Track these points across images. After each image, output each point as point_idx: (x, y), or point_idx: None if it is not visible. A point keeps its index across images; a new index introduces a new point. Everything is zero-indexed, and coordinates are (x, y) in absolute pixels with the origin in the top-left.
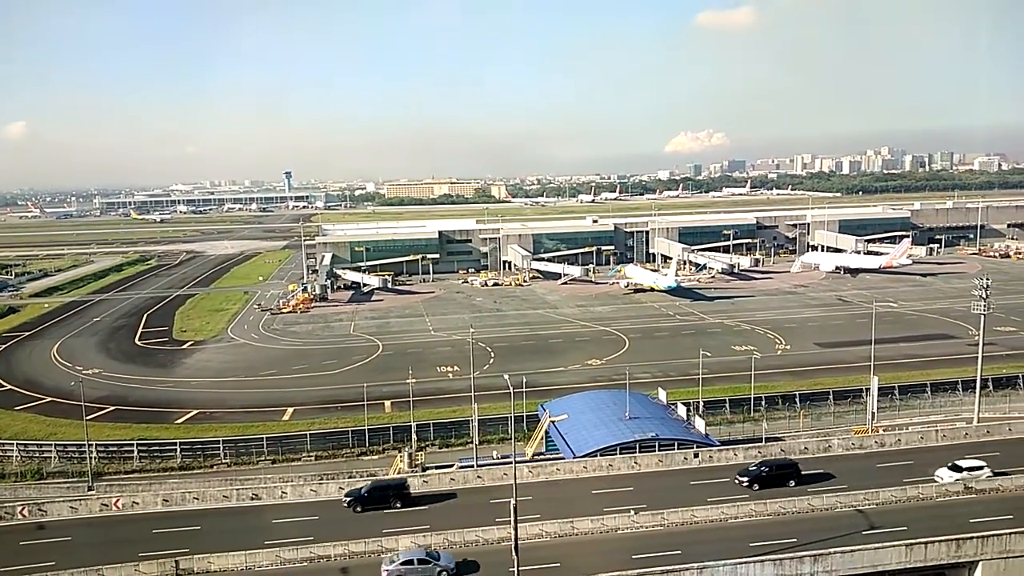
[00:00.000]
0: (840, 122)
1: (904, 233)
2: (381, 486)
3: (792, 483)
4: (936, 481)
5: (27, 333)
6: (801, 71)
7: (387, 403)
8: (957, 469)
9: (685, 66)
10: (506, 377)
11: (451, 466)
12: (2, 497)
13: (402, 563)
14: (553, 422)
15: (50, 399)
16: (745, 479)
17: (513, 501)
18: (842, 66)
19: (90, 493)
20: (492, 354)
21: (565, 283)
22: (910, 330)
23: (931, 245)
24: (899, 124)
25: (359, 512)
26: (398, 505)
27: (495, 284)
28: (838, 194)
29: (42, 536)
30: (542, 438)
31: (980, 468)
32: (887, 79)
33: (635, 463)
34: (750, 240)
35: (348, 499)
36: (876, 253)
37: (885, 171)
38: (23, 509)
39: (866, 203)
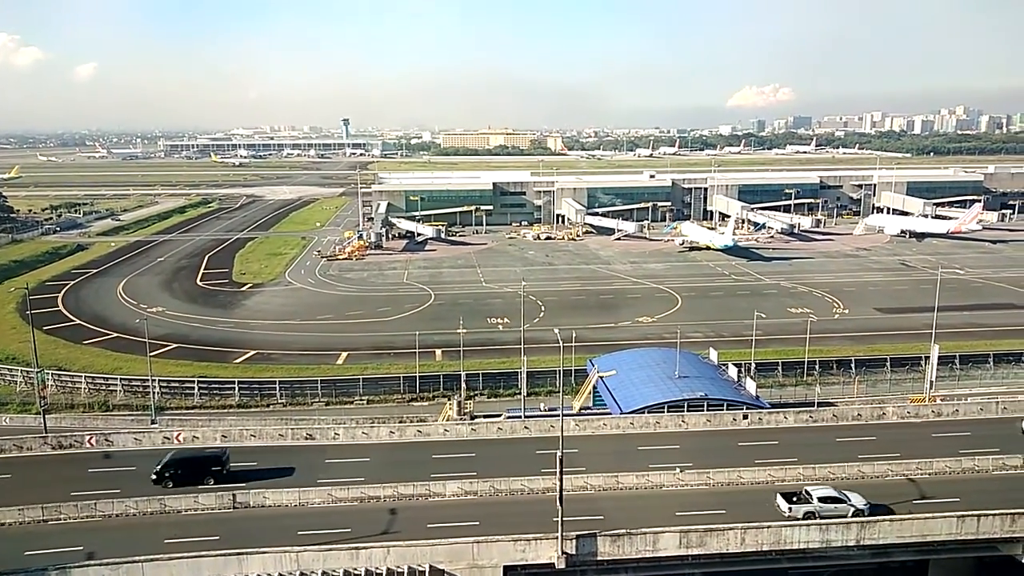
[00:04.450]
0: (913, 79)
1: (976, 197)
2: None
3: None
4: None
5: (95, 270)
6: (873, 24)
7: (438, 351)
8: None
9: (751, 16)
10: (556, 331)
11: (499, 416)
12: (72, 426)
13: None
14: (601, 377)
15: (116, 335)
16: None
17: (559, 453)
18: (917, 19)
19: (153, 426)
20: (542, 307)
21: (619, 239)
22: (976, 298)
23: (1004, 211)
24: (976, 82)
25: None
26: (211, 482)
27: (548, 238)
28: (908, 154)
29: (108, 464)
30: (590, 393)
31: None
32: (964, 33)
33: (683, 422)
34: (812, 200)
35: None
36: (945, 217)
37: (959, 132)
38: (91, 438)
39: (937, 165)
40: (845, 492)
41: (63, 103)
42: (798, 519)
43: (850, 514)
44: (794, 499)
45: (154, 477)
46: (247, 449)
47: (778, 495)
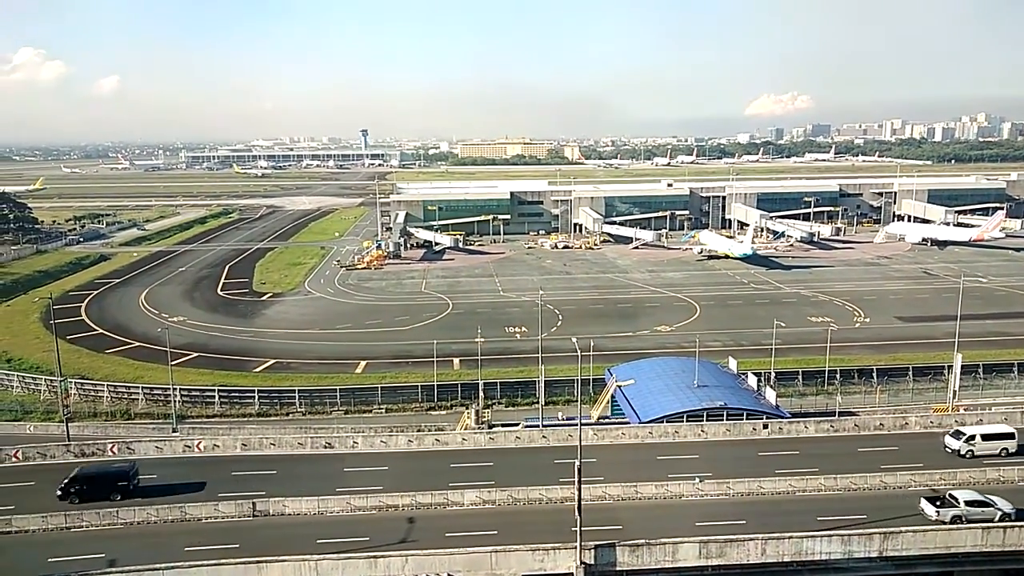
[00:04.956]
0: (934, 86)
1: (998, 205)
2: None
3: None
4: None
5: (117, 280)
6: (893, 30)
7: (456, 360)
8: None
9: (770, 23)
10: (574, 340)
11: (517, 425)
12: (94, 435)
13: None
14: (619, 387)
15: (138, 344)
16: None
17: (577, 462)
18: (937, 25)
19: (174, 435)
20: (560, 316)
21: (636, 247)
22: (999, 307)
23: None
24: (998, 89)
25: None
26: (118, 497)
27: (565, 247)
28: (929, 162)
29: None
30: (608, 402)
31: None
32: (986, 40)
33: (702, 431)
34: (832, 208)
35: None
36: (967, 225)
37: (981, 139)
38: (113, 447)
39: (959, 172)
40: (991, 496)
41: (86, 116)
42: (945, 523)
43: (997, 518)
44: (939, 503)
45: (59, 493)
46: (266, 458)
47: (923, 499)
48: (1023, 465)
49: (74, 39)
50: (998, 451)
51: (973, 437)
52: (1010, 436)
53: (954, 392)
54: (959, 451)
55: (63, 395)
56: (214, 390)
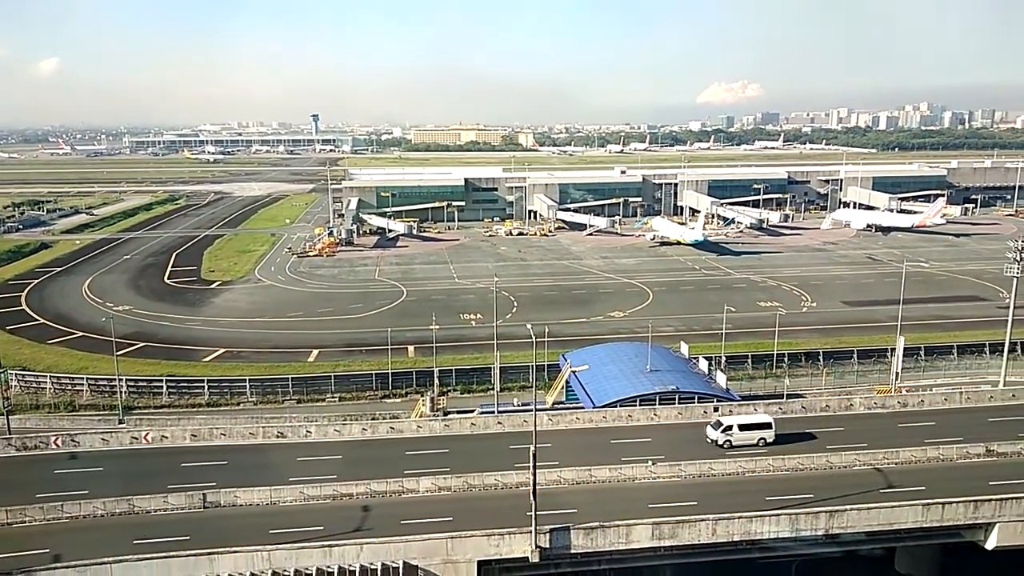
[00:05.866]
0: (879, 76)
1: (940, 192)
2: None
3: None
4: None
5: (59, 269)
6: (840, 22)
7: (410, 348)
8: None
9: (721, 13)
10: (529, 326)
11: (472, 412)
12: (37, 427)
13: None
14: (574, 372)
15: (81, 334)
16: None
17: (532, 447)
18: (883, 17)
19: (121, 426)
20: (515, 303)
21: (591, 234)
22: (940, 291)
23: (967, 205)
24: (939, 79)
25: None
26: None
27: (520, 233)
28: (873, 150)
29: (75, 466)
30: (562, 388)
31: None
32: (929, 32)
33: (654, 415)
34: (780, 195)
35: None
36: (910, 212)
37: (923, 127)
38: (57, 439)
39: (902, 160)
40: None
41: (25, 99)
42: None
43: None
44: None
45: None
46: (217, 448)
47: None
48: (961, 442)
49: (9, 19)
50: (755, 441)
51: (731, 427)
52: (767, 426)
53: (897, 374)
54: (717, 441)
55: (3, 387)
56: (162, 380)
